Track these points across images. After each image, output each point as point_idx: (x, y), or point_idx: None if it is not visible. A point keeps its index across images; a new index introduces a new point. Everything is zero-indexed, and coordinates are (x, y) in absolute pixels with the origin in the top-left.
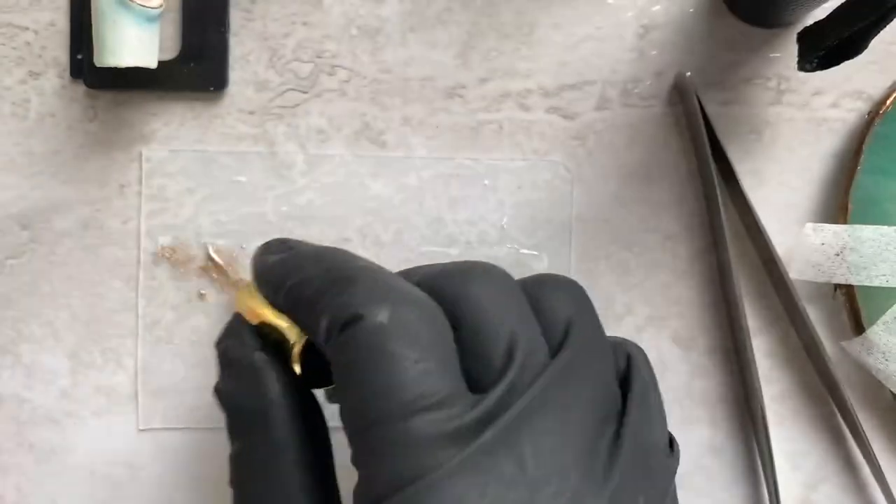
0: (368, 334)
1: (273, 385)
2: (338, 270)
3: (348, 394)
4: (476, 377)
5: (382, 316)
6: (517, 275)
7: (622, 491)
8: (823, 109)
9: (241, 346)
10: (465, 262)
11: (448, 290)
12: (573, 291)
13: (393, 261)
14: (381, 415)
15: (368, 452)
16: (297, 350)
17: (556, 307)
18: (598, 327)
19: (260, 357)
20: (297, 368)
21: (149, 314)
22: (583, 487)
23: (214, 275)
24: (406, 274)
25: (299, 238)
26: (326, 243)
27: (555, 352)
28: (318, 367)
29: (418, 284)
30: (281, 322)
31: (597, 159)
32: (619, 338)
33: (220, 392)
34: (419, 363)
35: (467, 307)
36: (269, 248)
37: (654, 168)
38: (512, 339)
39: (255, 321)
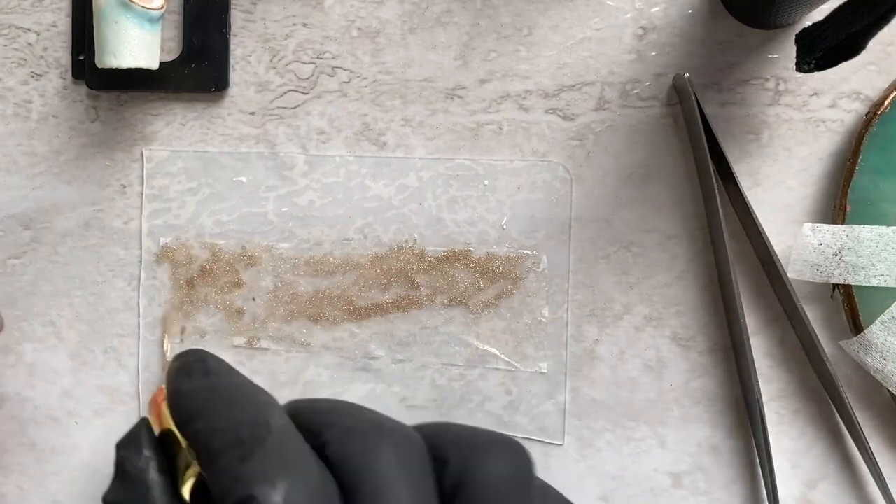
0: None
1: None
2: (247, 427)
3: None
4: None
5: (276, 498)
6: (519, 275)
7: None
8: (821, 110)
9: (138, 460)
10: (371, 425)
11: (352, 460)
12: (507, 462)
13: (393, 260)
14: None
15: None
16: (189, 484)
17: (482, 482)
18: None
19: (154, 479)
20: (187, 495)
21: (150, 314)
22: None
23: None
24: (312, 416)
25: (300, 238)
26: (327, 243)
27: None
28: (208, 497)
29: (327, 444)
30: (183, 443)
31: (596, 160)
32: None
33: (106, 502)
34: None
35: (366, 483)
36: (186, 370)
37: (653, 169)
38: None
39: (160, 427)
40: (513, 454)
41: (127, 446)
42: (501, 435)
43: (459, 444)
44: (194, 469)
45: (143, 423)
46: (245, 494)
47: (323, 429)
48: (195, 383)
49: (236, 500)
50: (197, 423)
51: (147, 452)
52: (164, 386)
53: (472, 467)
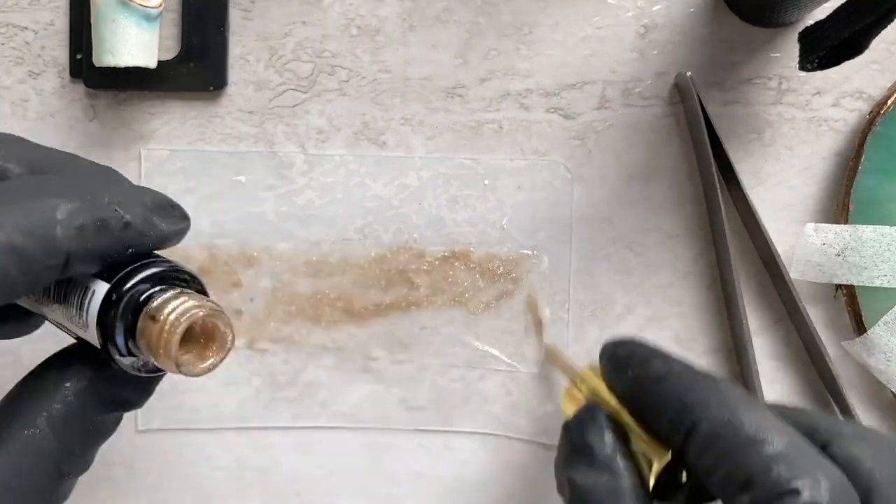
0: None
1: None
2: (755, 423)
3: None
4: None
5: (823, 495)
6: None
7: None
8: (824, 109)
9: (604, 447)
10: (868, 430)
11: (863, 465)
12: None
13: (393, 260)
14: None
15: None
16: (656, 469)
17: None
18: None
19: (623, 467)
20: (651, 481)
21: None
22: None
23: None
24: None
25: (299, 238)
26: (326, 243)
27: None
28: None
29: (829, 444)
30: (642, 439)
31: (597, 159)
32: None
33: (576, 485)
34: None
35: (882, 486)
36: (643, 356)
37: (655, 168)
38: None
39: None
40: None
41: (588, 429)
42: None
43: None
44: (661, 457)
45: (599, 410)
46: (787, 488)
47: (830, 433)
48: (663, 368)
49: (776, 493)
50: (692, 413)
51: (611, 438)
52: (584, 370)
53: None
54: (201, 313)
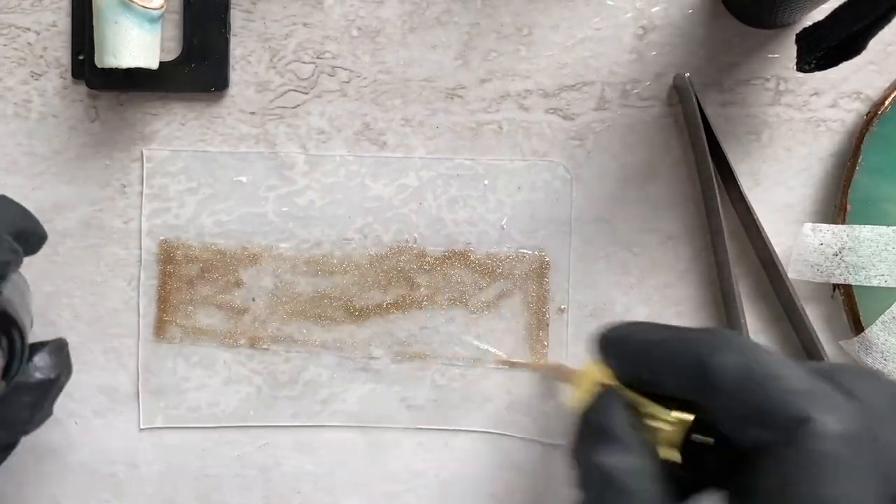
0: (826, 442)
1: (646, 478)
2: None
3: None
4: None
5: (835, 425)
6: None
7: None
8: (822, 110)
9: (621, 423)
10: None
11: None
12: None
13: (393, 260)
14: None
15: None
16: (677, 435)
17: None
18: None
19: (638, 439)
20: (675, 455)
21: (150, 314)
22: None
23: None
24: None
25: (300, 238)
26: (327, 243)
27: None
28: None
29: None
30: (657, 414)
31: (596, 160)
32: None
33: (598, 463)
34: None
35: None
36: (652, 334)
37: (653, 168)
38: None
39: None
40: None
41: (605, 411)
42: None
43: None
44: (682, 425)
45: (612, 391)
46: (804, 417)
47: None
48: (664, 330)
49: (795, 423)
50: (707, 360)
51: (629, 417)
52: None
53: None
54: None
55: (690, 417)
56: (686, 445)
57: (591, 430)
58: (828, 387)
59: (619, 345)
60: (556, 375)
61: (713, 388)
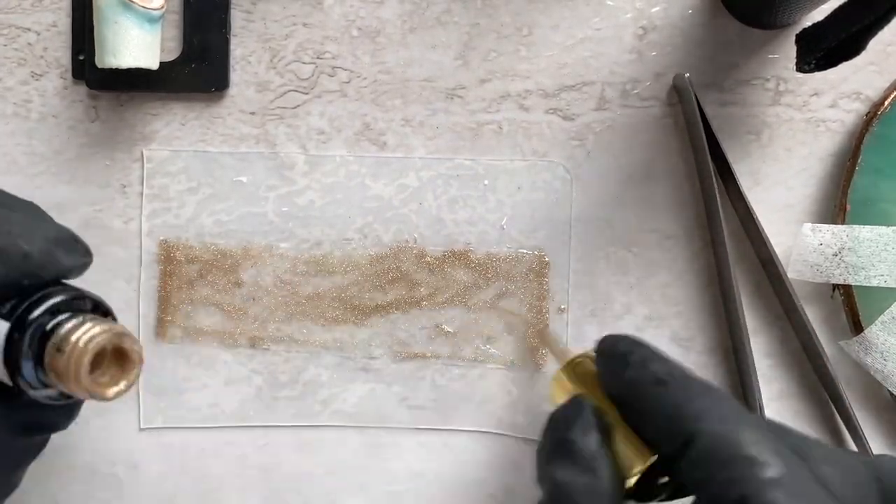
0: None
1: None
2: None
3: None
4: None
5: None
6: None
7: None
8: (821, 110)
9: (588, 443)
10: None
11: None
12: None
13: (393, 260)
14: None
15: None
16: (638, 470)
17: None
18: None
19: (604, 464)
20: (631, 482)
21: (150, 314)
22: None
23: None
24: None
25: (300, 238)
26: (326, 243)
27: None
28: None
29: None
30: (627, 439)
31: (596, 160)
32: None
33: (556, 481)
34: None
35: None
36: (650, 372)
37: (653, 169)
38: None
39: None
40: None
41: (573, 425)
42: None
43: None
44: (644, 459)
45: (587, 405)
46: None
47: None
48: (662, 373)
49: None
50: (691, 424)
51: (595, 436)
52: (573, 358)
53: None
54: (105, 338)
55: (653, 459)
56: (644, 478)
57: (558, 441)
58: (812, 481)
59: (617, 366)
60: (547, 345)
61: (694, 459)
